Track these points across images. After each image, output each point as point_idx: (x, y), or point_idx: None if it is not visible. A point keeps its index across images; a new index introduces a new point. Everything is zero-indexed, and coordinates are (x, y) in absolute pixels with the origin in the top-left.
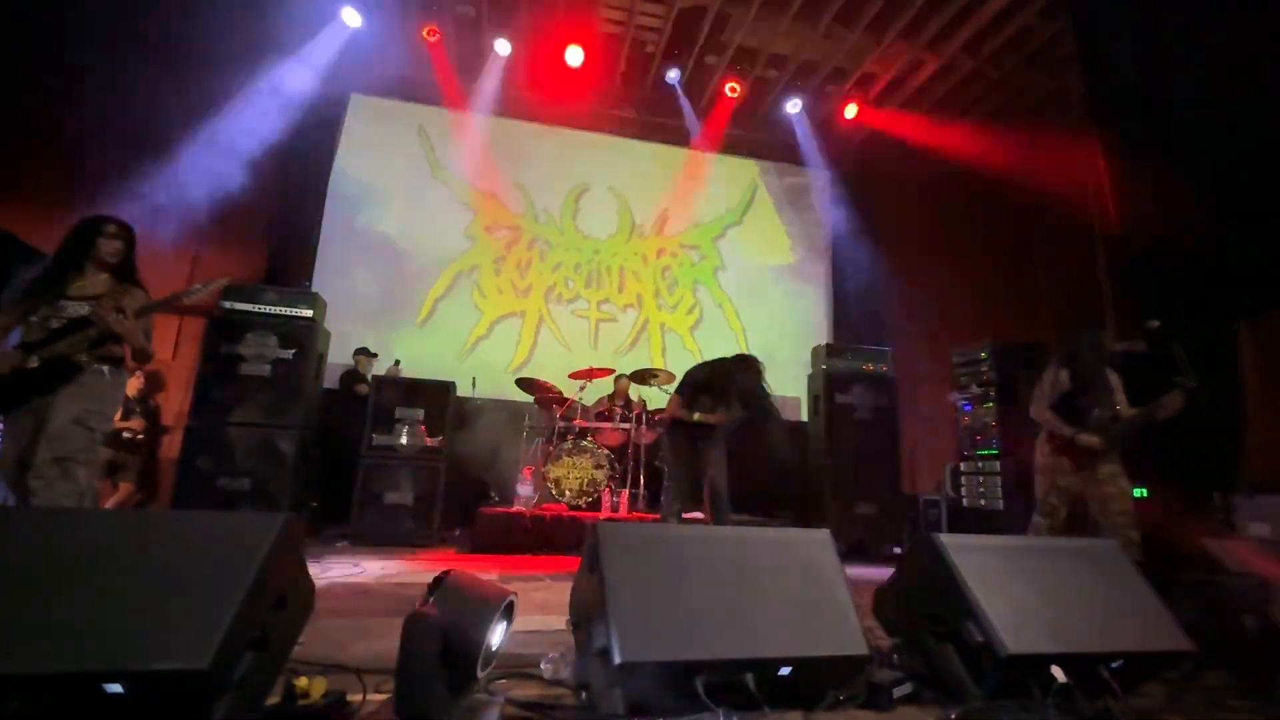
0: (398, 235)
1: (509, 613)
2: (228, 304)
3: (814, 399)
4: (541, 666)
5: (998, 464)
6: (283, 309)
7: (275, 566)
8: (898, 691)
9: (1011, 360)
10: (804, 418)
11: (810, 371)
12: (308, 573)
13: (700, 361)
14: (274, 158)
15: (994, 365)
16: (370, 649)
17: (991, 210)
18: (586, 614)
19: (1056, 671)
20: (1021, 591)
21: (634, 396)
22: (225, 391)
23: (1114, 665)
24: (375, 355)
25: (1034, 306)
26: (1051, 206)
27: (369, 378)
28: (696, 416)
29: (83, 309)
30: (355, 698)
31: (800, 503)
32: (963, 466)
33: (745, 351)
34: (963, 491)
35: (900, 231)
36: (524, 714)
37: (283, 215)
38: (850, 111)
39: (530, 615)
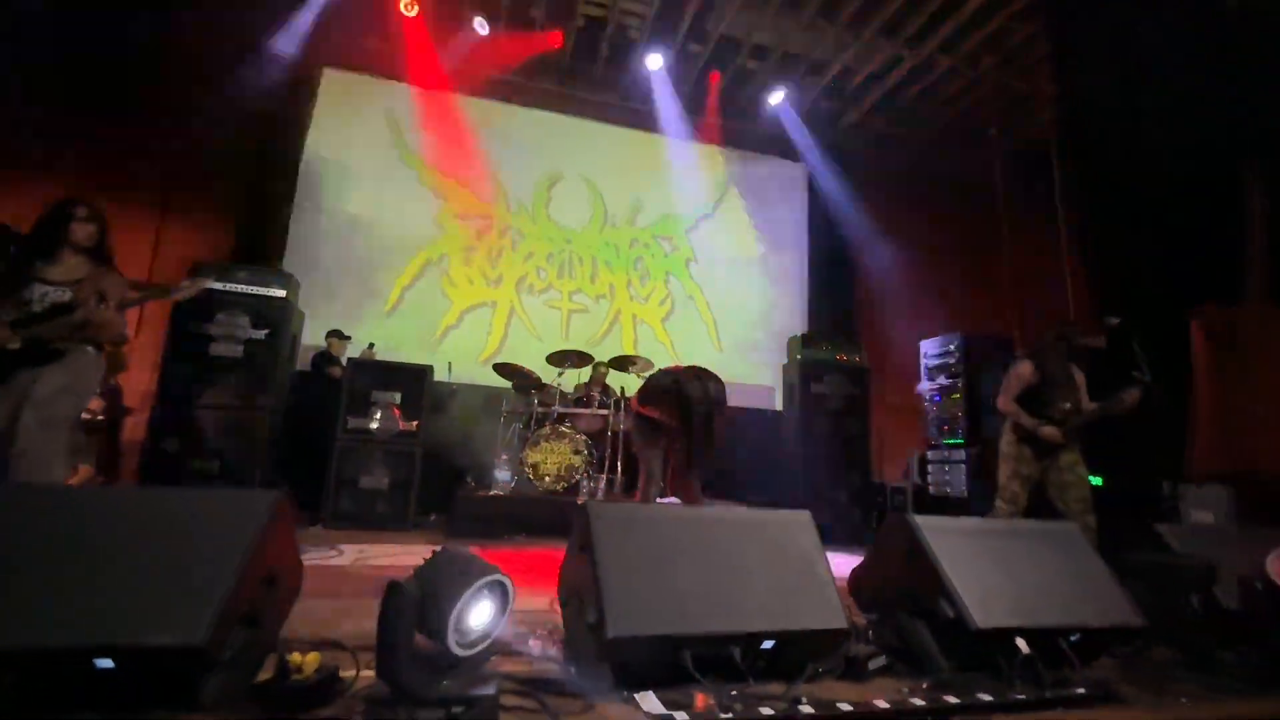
0: (366, 219)
1: (498, 592)
2: None
3: (789, 388)
4: (529, 644)
5: (963, 452)
6: (255, 288)
7: (267, 544)
8: (873, 664)
9: (979, 353)
10: (779, 406)
11: (785, 361)
12: (297, 552)
13: (659, 369)
14: (245, 129)
15: (962, 357)
16: (358, 627)
17: (963, 207)
18: (576, 591)
19: (1021, 644)
20: (988, 570)
21: (611, 384)
22: (194, 372)
23: (1073, 639)
24: (349, 338)
25: (1001, 302)
26: (1020, 207)
27: (343, 360)
28: (658, 415)
29: (64, 294)
30: (347, 673)
31: (774, 489)
32: (929, 455)
33: (715, 341)
34: (929, 479)
35: (874, 225)
36: (517, 688)
37: (253, 191)
38: (830, 105)
39: (520, 594)
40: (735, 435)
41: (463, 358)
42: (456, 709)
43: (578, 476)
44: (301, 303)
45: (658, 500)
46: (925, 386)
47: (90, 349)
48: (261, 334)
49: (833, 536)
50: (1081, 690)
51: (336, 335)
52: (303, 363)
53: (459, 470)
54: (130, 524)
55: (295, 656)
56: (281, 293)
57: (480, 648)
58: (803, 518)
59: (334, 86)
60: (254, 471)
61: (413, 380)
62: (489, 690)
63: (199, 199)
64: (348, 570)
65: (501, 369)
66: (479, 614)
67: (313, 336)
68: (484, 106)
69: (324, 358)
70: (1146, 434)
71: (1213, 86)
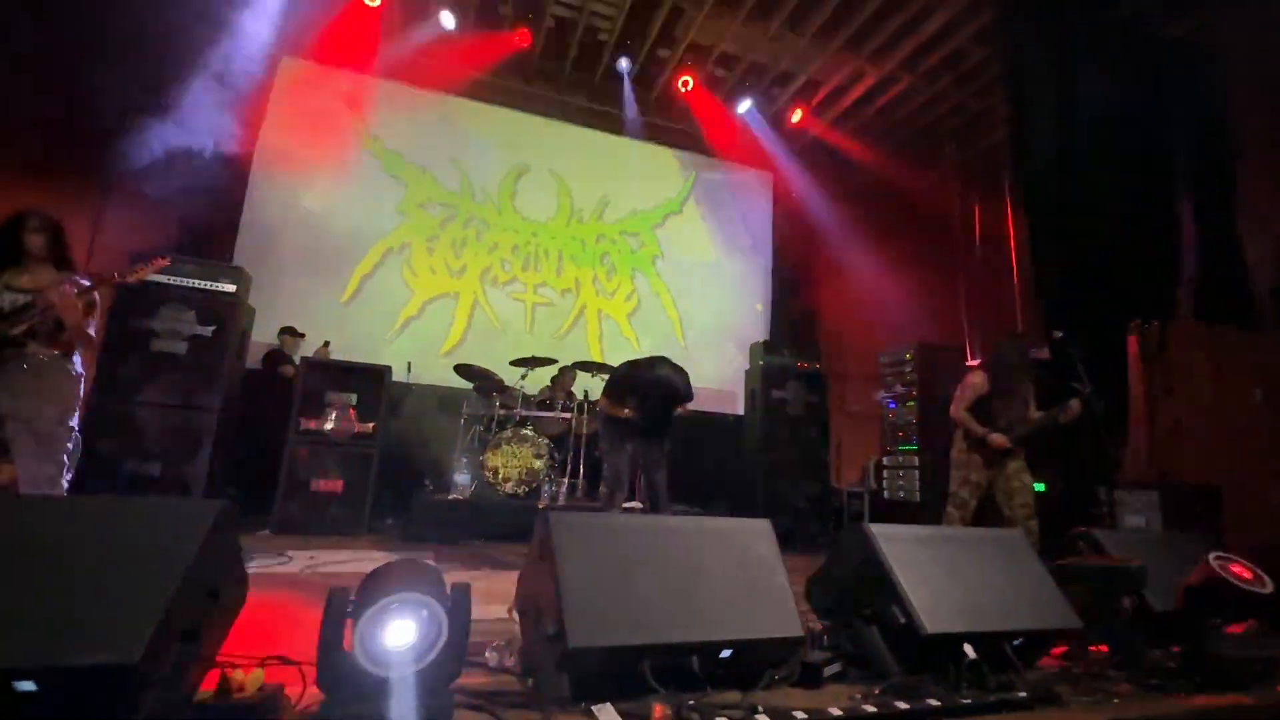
0: (323, 208)
1: (422, 613)
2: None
3: (750, 394)
4: (486, 655)
5: (916, 459)
6: (203, 282)
7: (209, 555)
8: (828, 671)
9: (934, 363)
10: (740, 411)
11: (748, 367)
12: (242, 563)
13: (625, 360)
14: (194, 118)
15: (917, 367)
16: (306, 640)
17: (920, 221)
18: (535, 601)
19: (968, 649)
20: (938, 576)
21: (575, 388)
22: (134, 369)
23: (1016, 643)
24: (302, 335)
25: (955, 313)
26: (973, 222)
27: (295, 359)
28: (626, 412)
29: (28, 299)
30: (294, 690)
31: (734, 493)
32: (885, 461)
33: (680, 339)
34: (884, 484)
35: (836, 235)
36: (471, 702)
37: (201, 181)
38: (795, 116)
39: (476, 603)
40: (698, 439)
41: (424, 349)
42: None
43: (539, 480)
44: (253, 298)
45: (622, 506)
46: (882, 394)
47: (70, 367)
48: (208, 330)
49: (792, 542)
50: (1023, 694)
51: (290, 332)
52: (253, 361)
53: (417, 473)
54: (64, 535)
55: (238, 674)
56: (231, 287)
57: (407, 670)
58: (762, 526)
59: (292, 74)
60: (197, 475)
61: (370, 381)
62: (443, 704)
63: (144, 185)
64: (297, 578)
65: (463, 370)
66: (397, 633)
67: (264, 333)
68: (450, 101)
69: (276, 356)
70: (1085, 442)
71: (1151, 116)
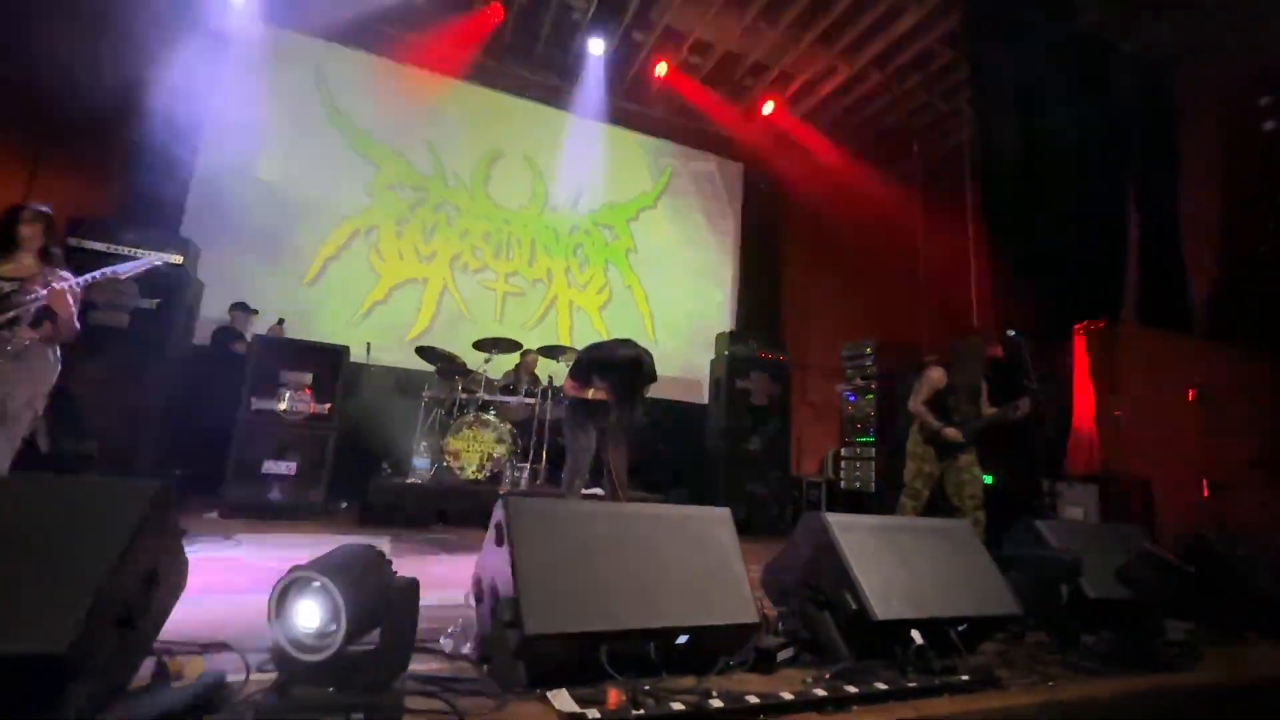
0: (285, 183)
1: (322, 596)
2: (76, 240)
3: (715, 383)
4: (441, 641)
5: (873, 450)
6: (146, 253)
7: (146, 539)
8: (781, 655)
9: (893, 357)
10: (705, 400)
11: (714, 356)
12: (181, 547)
13: (592, 343)
14: (144, 75)
15: (877, 361)
16: (251, 626)
17: (885, 219)
18: (492, 587)
19: (915, 634)
20: (889, 564)
21: (540, 372)
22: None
23: (960, 628)
24: (255, 312)
25: (915, 310)
26: (935, 222)
27: (248, 336)
28: (590, 393)
29: (14, 287)
30: (237, 677)
31: (696, 481)
32: (843, 452)
33: (650, 333)
34: (841, 474)
35: (803, 227)
36: (424, 689)
37: (149, 144)
38: (767, 108)
39: (428, 590)
40: (662, 427)
41: (390, 335)
42: (355, 715)
43: (501, 466)
44: (203, 273)
45: (582, 493)
46: (842, 387)
47: (50, 354)
48: (152, 303)
49: (751, 529)
50: (965, 677)
51: (241, 309)
52: (202, 337)
53: (375, 456)
54: None
55: (175, 661)
56: (177, 259)
57: (323, 653)
58: (722, 514)
59: (252, 39)
60: (139, 454)
61: (327, 361)
62: (391, 692)
63: (84, 148)
64: (244, 563)
65: (425, 352)
66: (305, 614)
67: (215, 309)
68: (422, 76)
69: (226, 332)
70: (1032, 437)
71: (1105, 125)
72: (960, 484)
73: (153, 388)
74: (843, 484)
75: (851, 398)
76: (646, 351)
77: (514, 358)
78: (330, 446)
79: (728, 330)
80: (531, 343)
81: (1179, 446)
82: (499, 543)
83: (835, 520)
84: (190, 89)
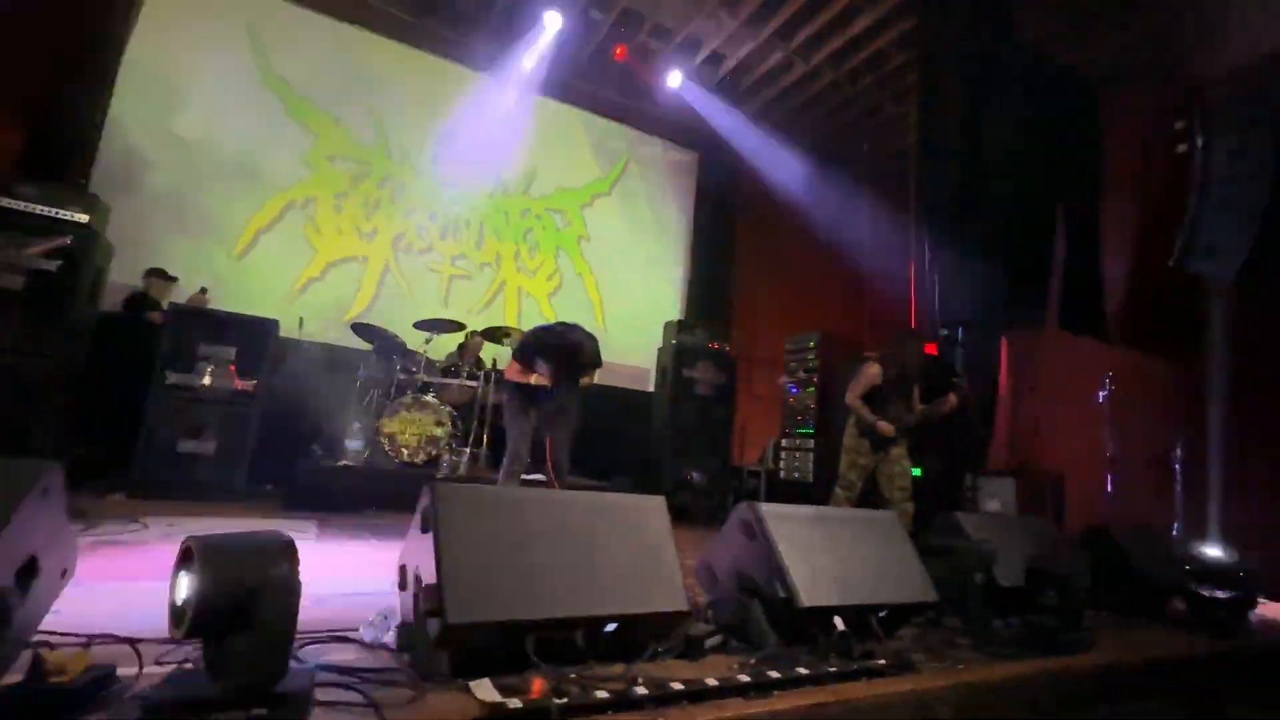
0: (208, 145)
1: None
2: None
3: (662, 371)
4: (361, 630)
5: (812, 442)
6: (46, 208)
7: (25, 523)
8: (709, 643)
9: (835, 352)
10: (651, 388)
11: (661, 345)
12: (69, 532)
13: (536, 326)
14: (51, 12)
15: (819, 354)
16: (149, 617)
17: (834, 215)
18: (416, 575)
19: (837, 621)
20: (818, 553)
21: (484, 355)
22: None
23: (881, 614)
24: (174, 279)
25: (859, 307)
26: (881, 221)
27: (164, 305)
28: (533, 378)
29: None
30: (129, 671)
31: (639, 469)
32: (784, 442)
33: (600, 322)
34: (781, 464)
35: (755, 220)
36: (337, 679)
37: (51, 91)
38: (722, 99)
39: (356, 576)
40: (607, 414)
41: (327, 314)
42: (258, 710)
43: (439, 450)
44: (114, 234)
45: (522, 479)
46: (785, 379)
47: None
48: (53, 265)
49: (691, 518)
50: (883, 661)
51: (158, 275)
52: (113, 304)
53: (305, 438)
54: None
55: (58, 655)
56: (83, 217)
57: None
58: (656, 502)
59: None
60: (35, 429)
61: (253, 335)
62: (300, 684)
63: None
64: (148, 549)
65: (362, 329)
66: (180, 589)
67: (128, 275)
68: (369, 40)
69: (140, 299)
70: (958, 432)
71: (1042, 137)
72: (891, 476)
73: (52, 357)
74: (782, 474)
75: (793, 390)
76: (591, 337)
77: (457, 339)
78: (254, 425)
79: (677, 319)
80: (475, 324)
81: (1089, 444)
82: (424, 529)
83: (767, 510)
84: (104, 30)
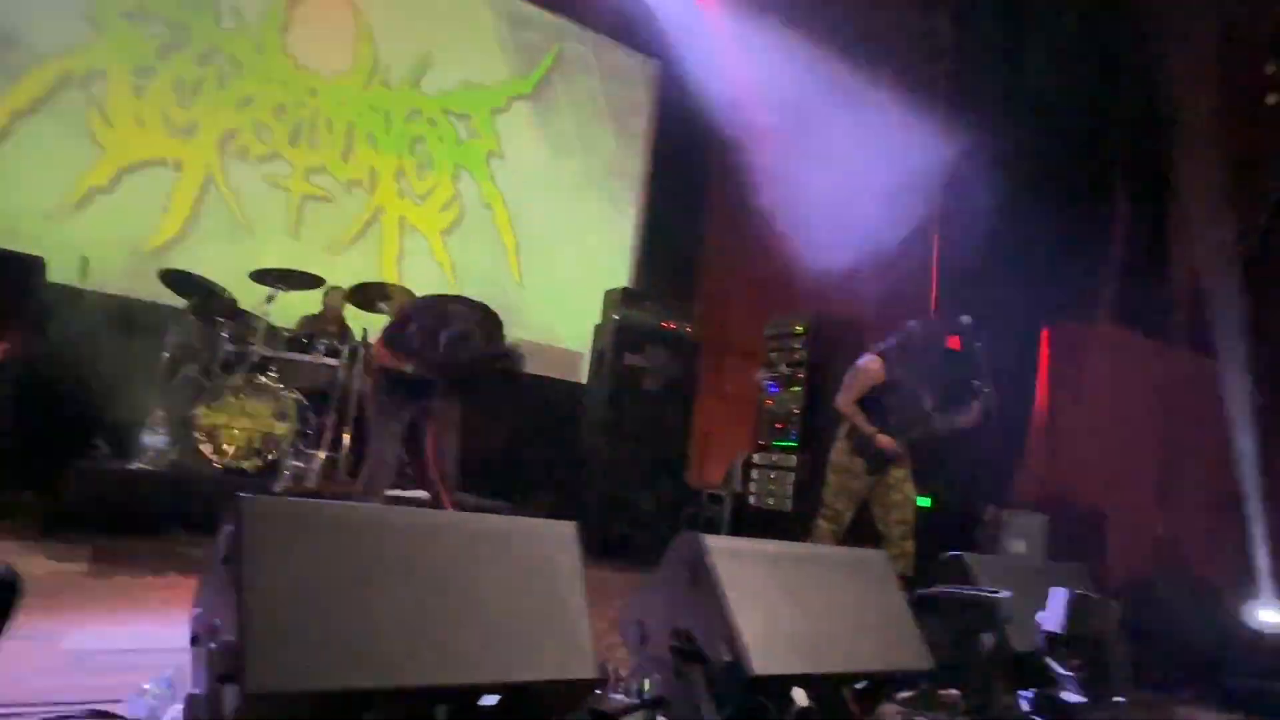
0: None
1: None
2: None
3: (598, 356)
4: (128, 702)
5: (794, 458)
6: None
7: None
8: None
9: (831, 340)
10: (583, 379)
11: (599, 321)
12: None
13: (421, 296)
14: None
15: (810, 343)
16: None
17: (836, 165)
18: (210, 624)
19: (799, 695)
20: (779, 604)
21: (352, 323)
22: None
23: (858, 686)
24: None
25: (864, 283)
26: (893, 180)
27: None
28: (408, 367)
29: None
30: None
31: (563, 486)
32: (756, 458)
33: (514, 273)
34: (752, 487)
35: (737, 160)
36: None
37: None
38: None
39: (140, 628)
40: (521, 412)
41: (117, 243)
42: None
43: (279, 452)
44: None
45: (395, 494)
46: (762, 374)
47: None
48: None
49: (630, 553)
50: None
51: None
52: None
53: (82, 428)
54: None
55: None
56: None
57: None
58: (562, 531)
59: None
60: None
61: (5, 277)
62: None
63: None
64: None
65: (174, 280)
66: None
67: None
68: None
69: None
70: (980, 452)
71: (1099, 95)
72: (889, 505)
73: None
74: (753, 499)
75: (773, 389)
76: (487, 317)
77: (313, 299)
78: (5, 409)
79: (621, 286)
80: (339, 275)
81: (1140, 474)
82: (226, 561)
83: (716, 545)
84: None
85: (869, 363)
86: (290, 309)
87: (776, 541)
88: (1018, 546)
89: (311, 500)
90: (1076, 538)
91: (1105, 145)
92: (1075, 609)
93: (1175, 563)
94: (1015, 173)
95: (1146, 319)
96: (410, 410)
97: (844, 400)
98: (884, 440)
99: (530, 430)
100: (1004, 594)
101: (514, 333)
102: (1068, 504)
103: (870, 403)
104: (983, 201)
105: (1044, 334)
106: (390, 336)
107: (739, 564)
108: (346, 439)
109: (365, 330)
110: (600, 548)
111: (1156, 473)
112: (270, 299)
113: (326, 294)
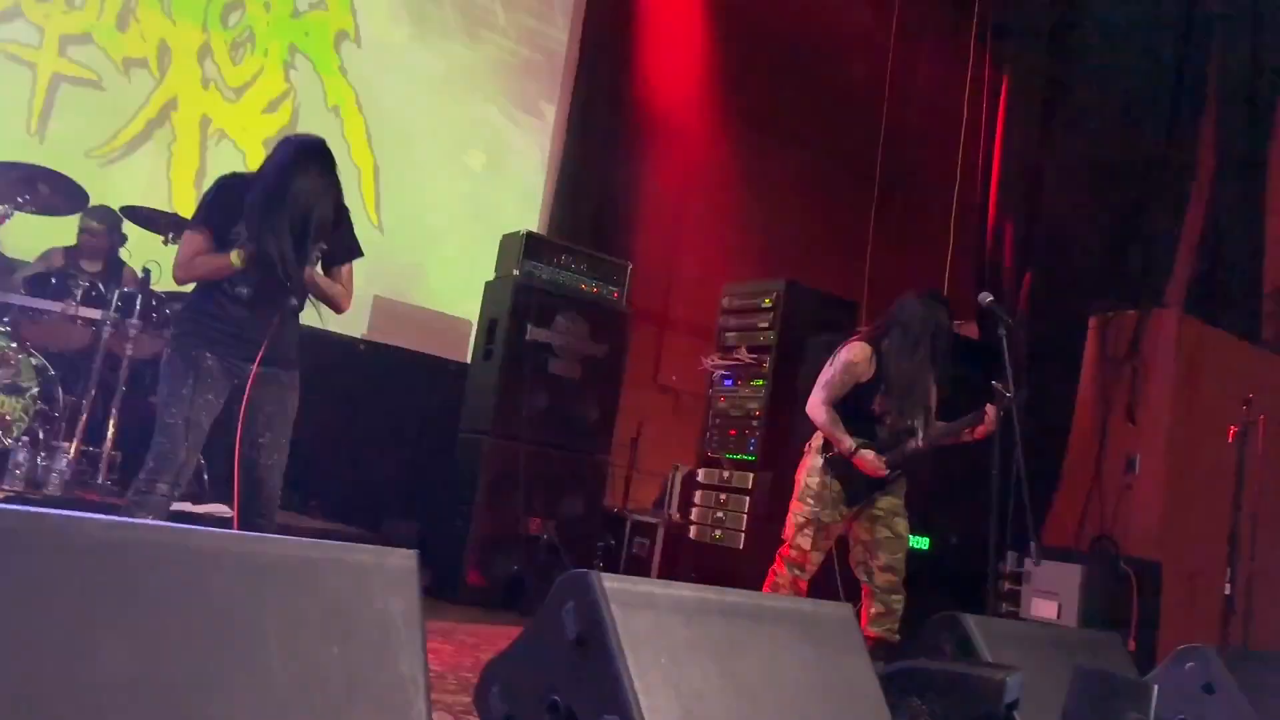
0: None
1: None
2: None
3: (489, 326)
4: None
5: (751, 477)
6: None
7: None
8: None
9: (808, 318)
10: (467, 357)
11: (492, 279)
12: None
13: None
14: None
15: (781, 320)
16: None
17: (839, 97)
18: None
19: None
20: (702, 674)
21: (133, 264)
22: None
23: None
24: None
25: (860, 249)
26: (916, 124)
27: None
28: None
29: None
30: None
31: (435, 505)
32: (701, 475)
33: (369, 210)
34: (693, 514)
35: (692, 72)
36: None
37: None
38: None
39: None
40: (377, 400)
41: None
42: None
43: (9, 441)
44: None
45: (191, 510)
46: (715, 361)
47: None
48: None
49: (521, 597)
50: None
51: None
52: None
53: None
54: None
55: None
56: None
57: None
58: (398, 563)
59: None
60: None
61: None
62: None
63: None
64: None
65: None
66: None
67: None
68: None
69: None
70: (998, 477)
71: (1183, 34)
72: (873, 545)
73: None
74: (693, 530)
75: (727, 381)
76: (329, 182)
77: (67, 226)
78: None
79: (524, 230)
80: (106, 193)
81: (1209, 516)
82: None
83: (617, 589)
84: None
85: (853, 353)
86: (33, 236)
87: (704, 588)
88: (1044, 607)
89: (31, 511)
90: (1120, 596)
91: (1194, 100)
92: (1102, 693)
93: (1253, 637)
94: (1074, 134)
95: (1229, 312)
96: (222, 386)
97: (818, 402)
98: (868, 460)
99: (391, 428)
100: (1011, 672)
101: (368, 290)
102: (1112, 554)
103: (854, 407)
104: (1025, 153)
105: (1091, 324)
106: (200, 220)
107: (648, 616)
108: (112, 426)
109: (146, 272)
110: (477, 591)
111: (1234, 514)
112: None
113: (84, 219)
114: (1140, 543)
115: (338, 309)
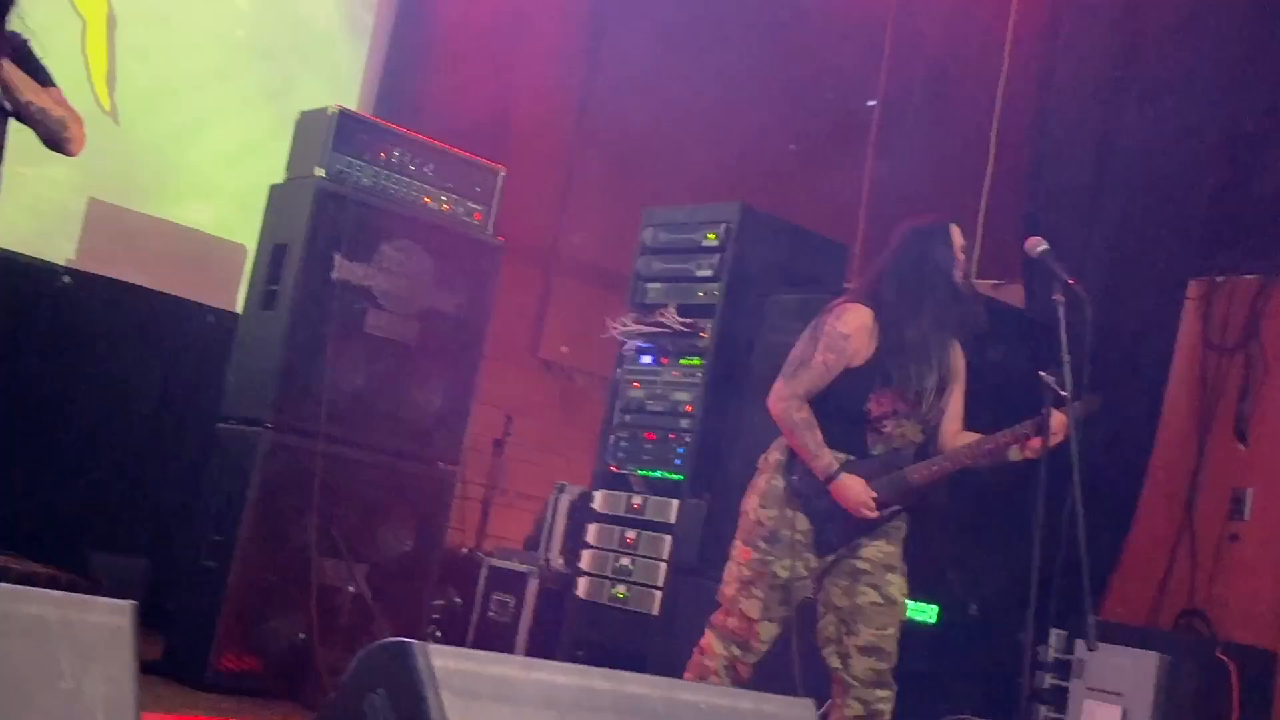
0: None
1: None
2: None
3: (273, 254)
4: None
5: (674, 506)
6: None
7: None
8: None
9: (772, 264)
10: (237, 307)
11: (282, 179)
12: None
13: None
14: None
15: (732, 266)
16: None
17: None
18: None
19: None
20: None
21: None
22: None
23: None
24: None
25: (853, 178)
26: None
27: None
28: None
29: None
30: None
31: (174, 535)
32: (599, 501)
33: (99, 94)
34: (586, 559)
35: None
36: None
37: None
38: None
39: None
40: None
41: None
42: None
43: None
44: None
45: None
46: (624, 325)
47: None
48: None
49: (304, 680)
50: None
51: None
52: None
53: None
54: None
55: None
56: None
57: None
58: (101, 620)
59: None
60: None
61: None
62: None
63: None
64: None
65: None
66: None
67: None
68: None
69: None
70: (1051, 516)
71: None
72: (853, 613)
73: None
74: (582, 585)
75: (646, 358)
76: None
77: None
78: None
79: (334, 109)
80: None
81: None
82: None
83: (450, 672)
84: None
85: (845, 320)
86: None
87: (593, 671)
88: (1103, 714)
89: None
90: (1217, 698)
91: None
92: None
93: None
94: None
95: None
96: None
97: (787, 395)
98: (852, 491)
99: (109, 410)
100: None
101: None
102: (1205, 636)
103: (837, 405)
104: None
105: (1190, 292)
106: None
107: (501, 714)
108: None
109: None
110: (235, 674)
111: None
112: None
113: None
114: (1247, 621)
115: (60, 142)
